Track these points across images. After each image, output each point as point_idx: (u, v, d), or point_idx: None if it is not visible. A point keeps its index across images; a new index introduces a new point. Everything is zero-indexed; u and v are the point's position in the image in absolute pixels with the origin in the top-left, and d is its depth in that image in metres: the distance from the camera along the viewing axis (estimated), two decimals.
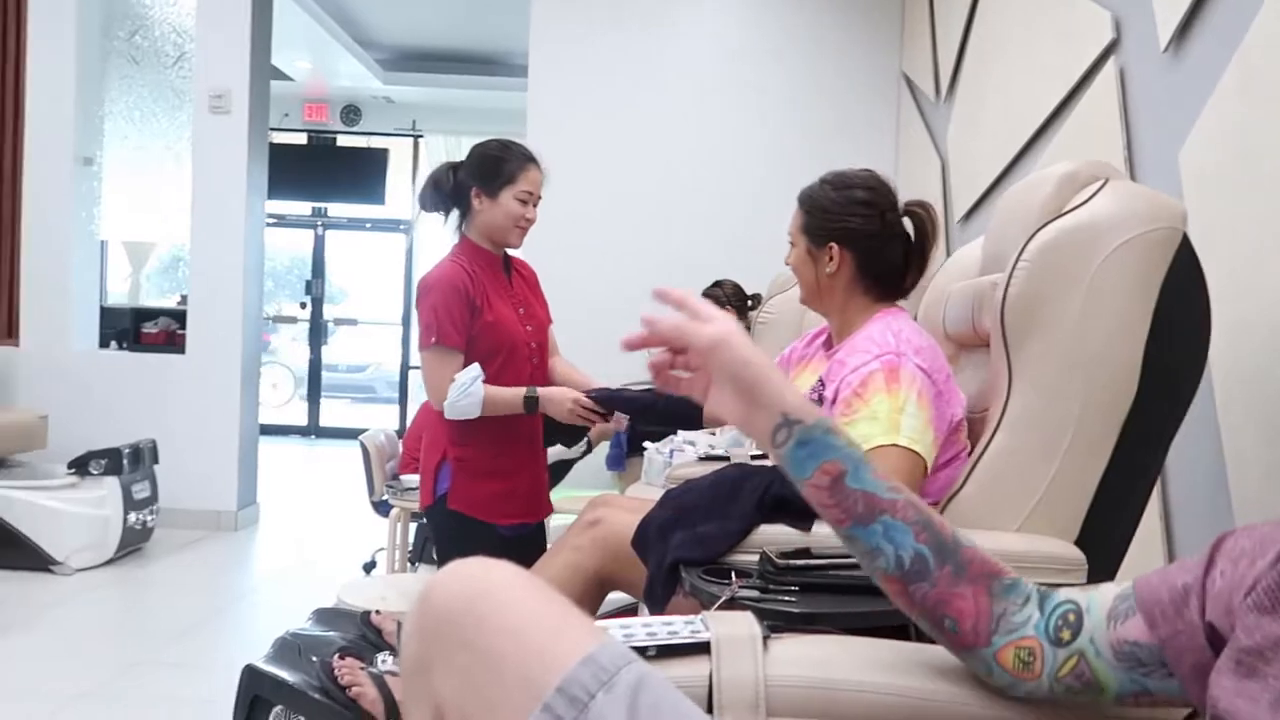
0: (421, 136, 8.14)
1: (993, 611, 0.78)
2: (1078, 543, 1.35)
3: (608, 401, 2.06)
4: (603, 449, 3.72)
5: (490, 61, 7.21)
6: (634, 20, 4.46)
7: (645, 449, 2.52)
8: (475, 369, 2.04)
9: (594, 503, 1.77)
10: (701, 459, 2.09)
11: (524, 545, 2.22)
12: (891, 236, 1.64)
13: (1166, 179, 2.06)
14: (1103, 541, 1.37)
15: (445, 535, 2.21)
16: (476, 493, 2.15)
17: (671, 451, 2.40)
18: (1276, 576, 0.62)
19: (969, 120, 3.50)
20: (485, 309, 2.11)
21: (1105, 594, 0.77)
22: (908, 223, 1.66)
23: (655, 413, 2.03)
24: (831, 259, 1.63)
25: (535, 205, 2.17)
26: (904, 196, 1.70)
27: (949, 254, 2.24)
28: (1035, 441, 1.36)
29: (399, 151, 8.26)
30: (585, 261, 4.44)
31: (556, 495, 3.61)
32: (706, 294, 4.13)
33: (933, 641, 0.87)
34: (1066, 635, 0.76)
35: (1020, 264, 1.40)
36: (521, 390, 2.09)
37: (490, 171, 2.13)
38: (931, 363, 1.47)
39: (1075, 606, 0.77)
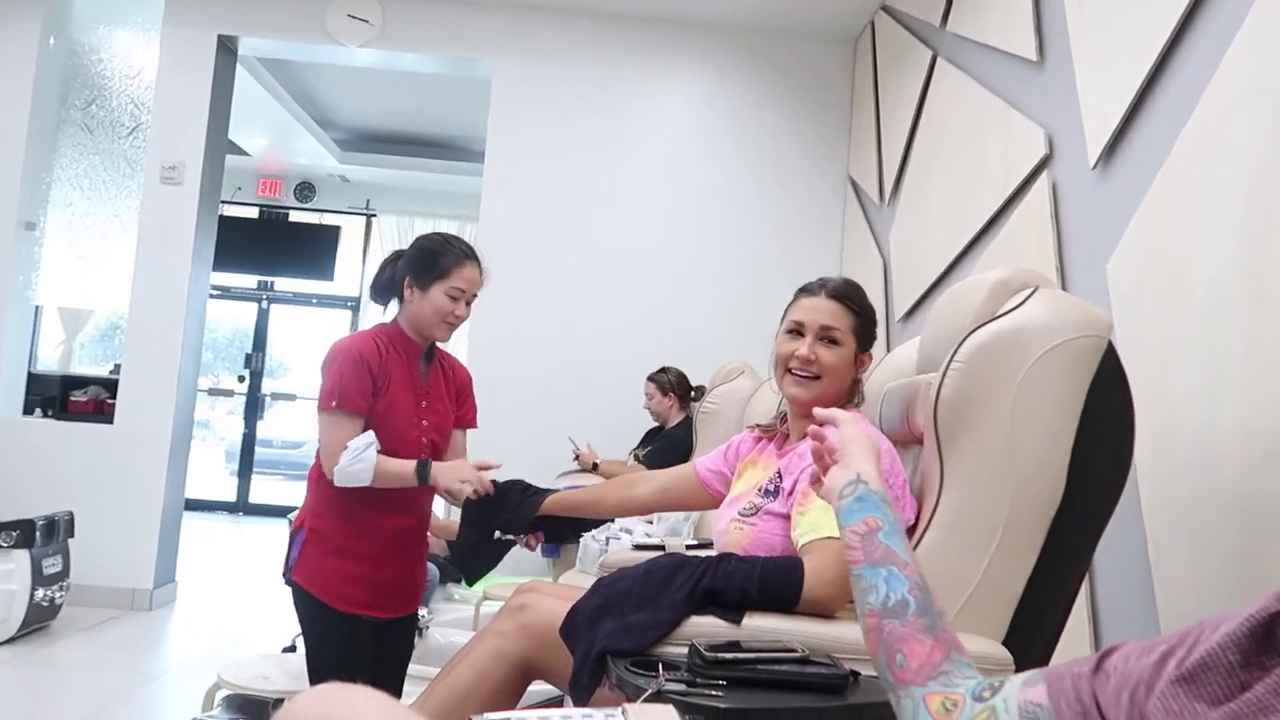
0: (375, 215, 8.17)
1: (940, 666, 0.87)
2: (1006, 641, 1.36)
3: (501, 493, 1.99)
4: None
5: (447, 146, 7.30)
6: (591, 115, 4.57)
7: (580, 536, 2.48)
8: (370, 436, 1.96)
9: (522, 589, 1.72)
10: (636, 548, 2.06)
11: (388, 639, 2.12)
12: None
13: (1095, 289, 2.13)
14: (1030, 640, 1.37)
15: (298, 613, 2.07)
16: (322, 569, 2.02)
17: (608, 539, 2.36)
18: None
19: (910, 224, 3.62)
20: (382, 392, 2.04)
21: (1027, 671, 0.83)
22: None
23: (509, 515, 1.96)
24: (864, 366, 1.67)
25: (468, 303, 2.12)
26: None
27: (889, 351, 2.28)
28: (965, 541, 1.37)
29: (351, 229, 8.26)
30: (532, 345, 4.44)
31: (485, 582, 3.52)
32: (653, 378, 4.16)
33: None
34: (987, 694, 0.82)
35: (954, 364, 1.43)
36: (412, 462, 2.01)
37: (425, 264, 2.09)
38: (890, 466, 1.47)
39: (1004, 680, 0.84)
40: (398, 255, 2.16)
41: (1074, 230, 2.35)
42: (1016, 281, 1.50)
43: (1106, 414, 1.38)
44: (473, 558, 2.03)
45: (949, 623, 0.90)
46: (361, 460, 1.93)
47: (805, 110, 4.61)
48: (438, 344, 2.19)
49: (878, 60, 4.23)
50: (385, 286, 2.16)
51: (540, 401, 4.40)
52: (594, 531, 2.45)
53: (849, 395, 1.66)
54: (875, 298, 3.84)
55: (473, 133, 6.12)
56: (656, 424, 4.24)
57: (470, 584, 2.25)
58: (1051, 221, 2.44)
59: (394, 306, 2.17)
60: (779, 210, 4.56)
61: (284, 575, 2.08)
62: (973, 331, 1.44)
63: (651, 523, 2.54)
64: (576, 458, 4.00)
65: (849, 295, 1.66)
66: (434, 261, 2.08)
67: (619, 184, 4.56)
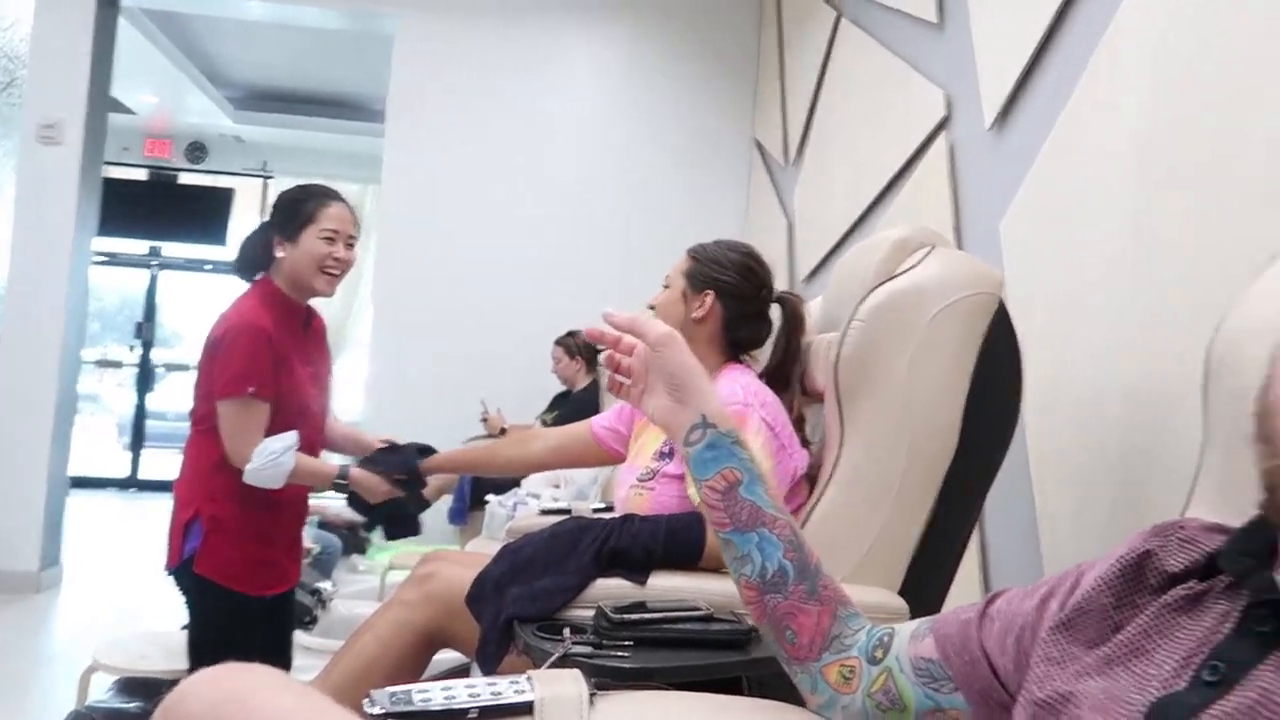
0: (271, 178, 7.87)
1: (830, 632, 0.86)
2: (902, 590, 1.40)
3: (393, 460, 1.94)
4: (445, 501, 3.61)
5: (348, 105, 7.06)
6: (497, 75, 4.47)
7: (487, 502, 2.46)
8: (291, 437, 1.84)
9: (428, 558, 1.70)
10: (543, 513, 2.05)
11: (276, 613, 2.05)
12: (760, 309, 1.73)
13: (989, 248, 2.19)
14: (925, 588, 1.42)
15: (194, 603, 1.96)
16: (231, 558, 1.91)
17: (515, 505, 2.34)
18: (1061, 618, 0.65)
19: (814, 184, 3.66)
20: (282, 367, 1.91)
21: (914, 620, 0.85)
22: (776, 310, 1.75)
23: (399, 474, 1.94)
24: (702, 305, 1.69)
25: (347, 245, 1.98)
26: None
27: None
28: (864, 496, 1.40)
29: (246, 192, 7.94)
30: (438, 310, 4.36)
31: (390, 551, 3.47)
32: (560, 342, 4.14)
33: (765, 694, 0.89)
34: (880, 654, 0.82)
35: (853, 323, 1.45)
36: (332, 468, 1.93)
37: (289, 214, 1.96)
38: (775, 417, 1.51)
39: (890, 631, 0.84)
40: (262, 226, 2.04)
41: (970, 190, 2.41)
42: (914, 241, 1.52)
43: (997, 369, 1.42)
44: (397, 523, 2.01)
45: (826, 574, 0.89)
46: (279, 465, 1.81)
47: (711, 71, 4.60)
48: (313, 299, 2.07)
49: (782, 21, 4.23)
50: (252, 259, 2.02)
51: (447, 367, 4.33)
52: (500, 497, 2.43)
53: (692, 342, 1.66)
54: (779, 258, 3.89)
55: (375, 91, 5.92)
56: (564, 388, 4.22)
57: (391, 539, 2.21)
58: (949, 181, 2.49)
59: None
60: (685, 171, 4.56)
61: (172, 569, 1.95)
62: (872, 290, 1.46)
63: (558, 486, 2.54)
64: (484, 420, 3.96)
65: (695, 246, 1.76)
66: (297, 209, 1.96)
67: (525, 145, 4.48)
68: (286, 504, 2.00)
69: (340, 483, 1.93)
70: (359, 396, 4.63)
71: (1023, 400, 1.53)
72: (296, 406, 1.95)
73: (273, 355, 1.89)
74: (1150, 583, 0.63)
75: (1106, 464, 1.69)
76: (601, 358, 0.98)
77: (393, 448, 1.98)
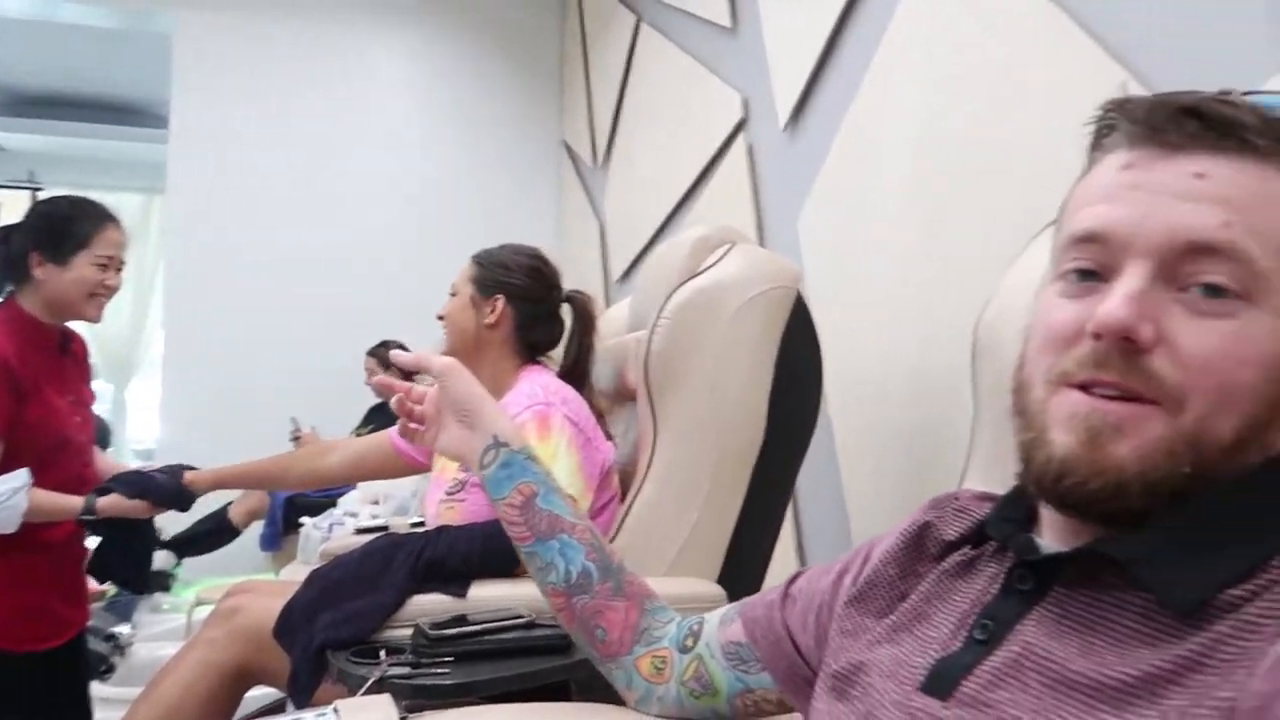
0: (41, 189, 7.19)
1: (639, 625, 0.87)
2: (721, 578, 1.44)
3: (132, 485, 1.82)
4: (256, 528, 3.42)
5: (126, 110, 6.55)
6: (290, 77, 4.26)
7: (302, 525, 2.34)
8: (22, 476, 1.66)
9: (232, 590, 1.60)
10: (359, 532, 1.97)
11: (61, 666, 1.85)
12: (553, 310, 1.73)
13: (789, 243, 2.28)
14: (742, 574, 1.46)
15: None
16: None
17: (331, 525, 2.25)
18: (854, 593, 0.69)
19: (624, 185, 3.71)
20: (34, 397, 1.73)
21: (724, 607, 0.87)
22: (567, 309, 1.75)
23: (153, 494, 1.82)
24: (493, 310, 1.67)
25: (118, 270, 1.83)
26: (565, 258, 1.77)
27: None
28: (679, 490, 1.43)
29: (11, 205, 7.23)
30: (239, 325, 4.12)
31: (196, 586, 3.25)
32: (373, 353, 4.01)
33: (593, 697, 0.92)
34: (690, 642, 0.84)
35: (660, 321, 1.48)
36: (76, 502, 1.74)
37: (58, 234, 1.78)
38: (578, 413, 1.51)
39: (701, 620, 0.87)
40: (7, 232, 1.84)
41: (770, 189, 2.51)
42: (715, 239, 1.57)
43: (798, 359, 1.49)
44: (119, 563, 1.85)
45: (631, 571, 0.91)
46: (9, 507, 1.60)
47: (516, 73, 4.57)
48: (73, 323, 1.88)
49: (585, 24, 4.27)
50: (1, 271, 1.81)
51: (252, 386, 4.09)
52: (315, 519, 2.32)
53: (487, 347, 1.68)
54: (593, 260, 3.93)
55: (156, 95, 5.52)
56: (380, 400, 4.09)
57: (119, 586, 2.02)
58: (750, 181, 2.58)
59: None
60: (496, 174, 4.51)
61: None
62: (676, 289, 1.49)
63: (377, 503, 2.45)
64: (295, 439, 3.78)
65: (480, 252, 1.75)
66: (68, 229, 1.77)
67: (326, 150, 4.30)
68: (58, 545, 1.80)
69: (87, 518, 1.75)
70: (154, 423, 4.31)
71: (824, 387, 1.61)
72: (54, 438, 1.76)
73: (11, 386, 1.69)
74: (930, 552, 0.68)
75: (901, 442, 1.80)
76: (392, 403, 0.98)
77: (138, 472, 1.83)
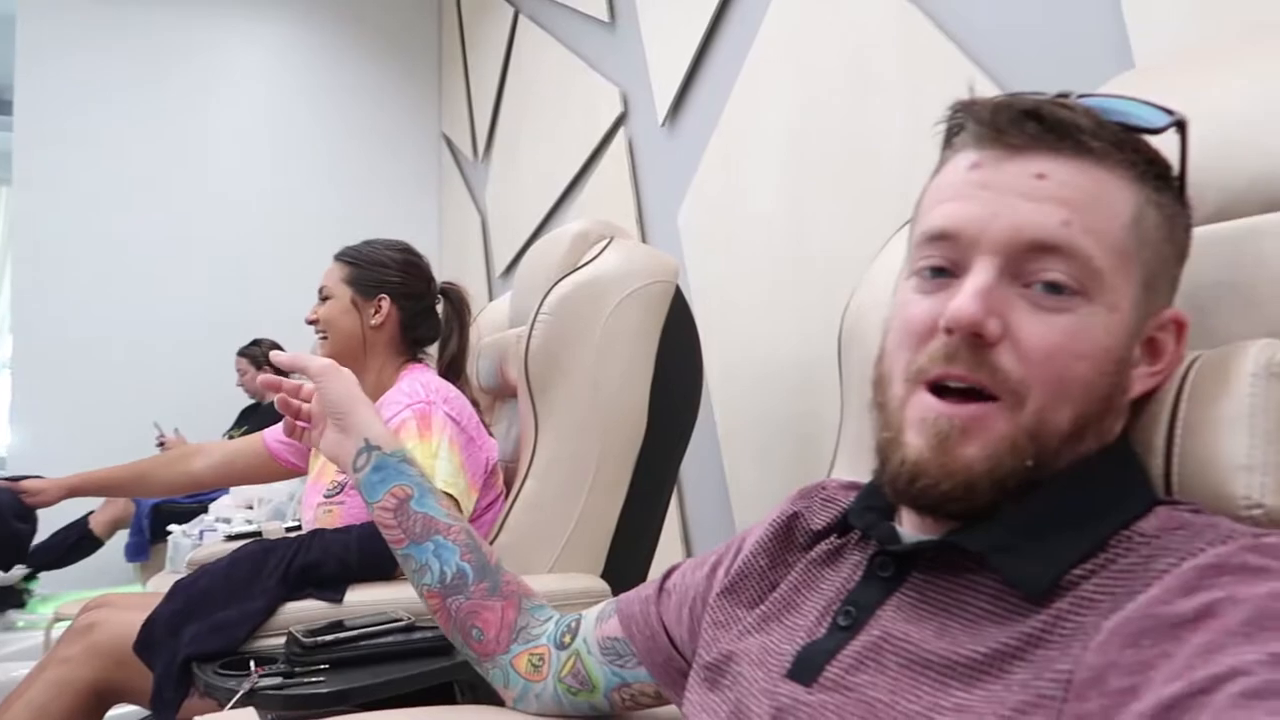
0: None
1: (516, 624, 0.87)
2: (606, 572, 1.44)
3: None
4: (121, 538, 3.24)
5: None
6: (149, 60, 4.04)
7: (170, 533, 2.23)
8: None
9: (90, 605, 1.51)
10: (229, 538, 1.89)
11: None
12: (431, 304, 1.70)
13: (669, 238, 2.30)
14: (628, 567, 1.47)
15: None
16: None
17: (201, 532, 2.15)
18: (726, 584, 0.70)
19: (505, 180, 3.67)
20: None
21: (601, 603, 0.87)
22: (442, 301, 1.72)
23: None
24: (379, 311, 1.63)
25: None
26: (447, 253, 1.74)
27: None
28: (561, 486, 1.43)
29: None
30: (95, 324, 3.90)
31: (54, 601, 3.06)
32: (244, 353, 3.86)
33: (478, 698, 0.93)
34: (568, 639, 0.84)
35: (540, 316, 1.47)
36: None
37: None
38: (460, 411, 1.49)
39: (578, 617, 0.87)
40: None
41: (650, 183, 2.52)
42: (594, 233, 1.57)
43: (678, 352, 1.51)
44: None
45: (509, 571, 0.90)
46: None
47: (392, 64, 4.46)
48: None
49: (462, 15, 4.20)
50: None
51: (108, 390, 3.87)
52: (185, 526, 2.22)
53: (374, 350, 1.64)
54: (475, 254, 3.87)
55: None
56: (252, 400, 3.94)
57: None
58: (630, 176, 2.59)
59: None
60: (374, 167, 4.40)
61: None
62: (556, 284, 1.49)
63: (251, 508, 2.36)
64: (161, 445, 3.60)
65: (347, 250, 1.70)
66: None
67: (188, 140, 4.10)
68: None
69: None
70: (3, 430, 4.04)
71: (706, 379, 1.63)
72: None
73: None
74: (799, 541, 0.69)
75: (779, 431, 1.84)
76: (276, 401, 0.97)
77: None
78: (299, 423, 0.97)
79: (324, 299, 1.66)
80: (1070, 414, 0.54)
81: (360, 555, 1.31)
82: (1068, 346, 0.54)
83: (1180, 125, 0.57)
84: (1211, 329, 0.61)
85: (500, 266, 3.63)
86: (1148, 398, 0.59)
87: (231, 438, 3.71)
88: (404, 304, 1.65)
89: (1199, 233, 0.60)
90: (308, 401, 0.96)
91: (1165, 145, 0.58)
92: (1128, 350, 0.56)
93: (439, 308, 1.71)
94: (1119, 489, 0.56)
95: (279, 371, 1.00)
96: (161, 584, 2.12)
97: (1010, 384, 0.54)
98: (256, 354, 3.82)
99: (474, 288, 1.83)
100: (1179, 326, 0.58)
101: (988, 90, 0.70)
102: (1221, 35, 1.03)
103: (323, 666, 1.13)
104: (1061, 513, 0.54)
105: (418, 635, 1.19)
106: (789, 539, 0.70)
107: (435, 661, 1.17)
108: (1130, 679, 0.44)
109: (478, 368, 1.77)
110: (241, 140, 4.20)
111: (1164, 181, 0.57)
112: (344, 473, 0.99)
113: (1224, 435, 0.55)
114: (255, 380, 3.83)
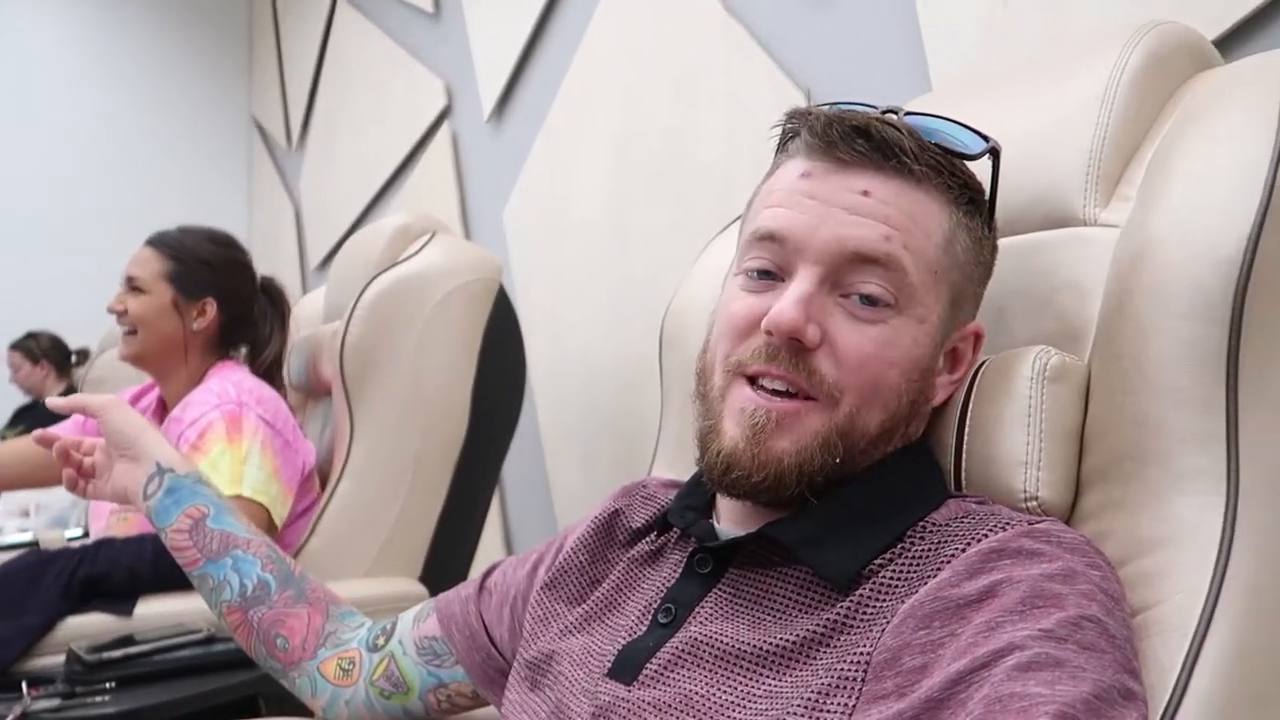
0: None
1: (324, 630, 0.84)
2: (425, 574, 1.41)
3: None
4: None
5: None
6: None
7: None
8: None
9: None
10: (1, 549, 1.72)
11: None
12: (254, 306, 1.57)
13: (495, 235, 2.28)
14: (447, 569, 1.45)
15: None
16: None
17: None
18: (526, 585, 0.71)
19: (321, 169, 3.52)
20: None
21: (419, 604, 0.85)
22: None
23: None
24: (202, 314, 1.48)
25: None
26: (259, 242, 1.63)
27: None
28: (378, 486, 1.39)
29: None
30: None
31: None
32: (18, 346, 3.53)
33: (284, 710, 0.91)
34: (382, 641, 0.82)
35: (357, 312, 1.42)
36: None
37: None
38: (275, 413, 1.40)
39: (395, 619, 0.84)
40: None
41: (474, 179, 2.48)
42: (416, 228, 1.54)
43: (501, 351, 1.49)
44: None
45: (315, 580, 0.87)
46: None
47: (198, 39, 4.19)
48: None
49: None
50: None
51: None
52: None
53: (191, 352, 1.50)
54: (288, 245, 3.69)
55: None
56: (29, 399, 3.61)
57: None
58: (454, 171, 2.54)
59: None
60: (178, 149, 4.12)
61: None
62: (375, 277, 1.44)
63: (28, 515, 2.15)
64: None
65: (166, 240, 1.52)
66: None
67: None
68: None
69: None
70: None
71: (530, 378, 1.62)
72: None
73: None
74: (620, 539, 0.70)
75: (602, 430, 1.86)
76: (55, 452, 0.90)
77: None
78: (82, 480, 0.91)
79: (134, 289, 1.48)
80: (879, 417, 0.58)
81: (155, 565, 1.22)
82: (880, 355, 0.57)
83: (994, 152, 0.62)
84: (1011, 330, 0.67)
85: (315, 259, 3.48)
86: (947, 402, 0.63)
87: (5, 438, 3.38)
88: (228, 306, 1.51)
89: (1000, 243, 0.65)
90: (89, 455, 0.91)
91: (979, 169, 0.62)
92: (933, 360, 0.60)
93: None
94: (917, 485, 0.60)
95: (55, 417, 0.93)
96: None
97: (826, 386, 0.57)
98: (33, 347, 3.51)
99: (287, 280, 1.73)
100: (977, 338, 0.63)
101: (798, 102, 0.73)
102: (1008, 59, 1.13)
103: (108, 685, 1.05)
104: (866, 508, 0.58)
105: (218, 647, 1.13)
106: (610, 536, 0.71)
107: (237, 675, 1.11)
108: (922, 657, 0.47)
109: (289, 365, 1.68)
110: (26, 115, 3.83)
111: (975, 206, 0.61)
112: (131, 506, 0.92)
113: (1005, 434, 0.60)
114: (30, 376, 3.51)
